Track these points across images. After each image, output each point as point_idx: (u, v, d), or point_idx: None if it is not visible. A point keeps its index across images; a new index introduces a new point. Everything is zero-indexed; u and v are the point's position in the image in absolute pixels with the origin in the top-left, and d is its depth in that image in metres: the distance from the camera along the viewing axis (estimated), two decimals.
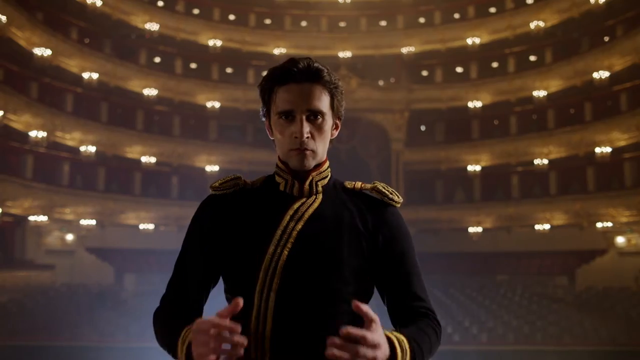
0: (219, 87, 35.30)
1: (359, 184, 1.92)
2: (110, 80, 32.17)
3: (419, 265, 1.86)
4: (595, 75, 30.35)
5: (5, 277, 25.77)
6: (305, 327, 1.70)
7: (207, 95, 34.80)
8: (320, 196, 1.85)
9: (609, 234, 30.34)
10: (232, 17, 37.33)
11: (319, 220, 1.80)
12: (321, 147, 1.82)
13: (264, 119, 1.89)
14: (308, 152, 1.78)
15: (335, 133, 1.89)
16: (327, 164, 1.91)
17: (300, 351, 1.68)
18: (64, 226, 30.33)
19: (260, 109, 1.88)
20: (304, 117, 1.76)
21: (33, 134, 28.25)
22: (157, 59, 35.76)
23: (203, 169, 33.82)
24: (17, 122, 27.81)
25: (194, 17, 36.26)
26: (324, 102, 1.79)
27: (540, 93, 32.70)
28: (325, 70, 1.80)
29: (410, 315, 1.77)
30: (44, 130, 28.51)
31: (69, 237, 30.46)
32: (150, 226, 31.71)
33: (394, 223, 1.86)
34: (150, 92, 33.17)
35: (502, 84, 34.08)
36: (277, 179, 1.88)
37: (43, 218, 28.35)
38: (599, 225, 30.05)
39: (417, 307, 1.78)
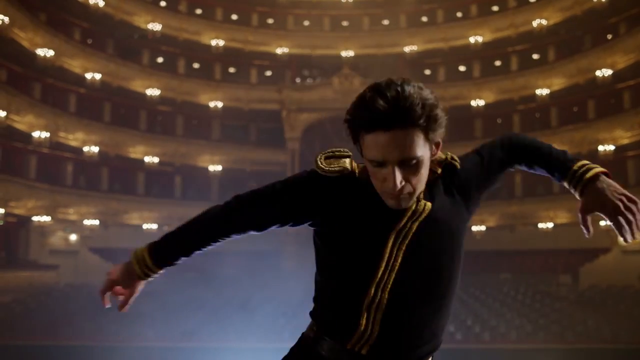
0: (222, 87, 35.32)
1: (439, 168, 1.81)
2: (113, 80, 32.22)
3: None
4: (598, 73, 30.27)
5: (9, 278, 25.84)
6: (413, 323, 1.75)
7: (210, 95, 34.83)
8: (425, 205, 1.76)
9: (612, 232, 30.22)
10: (234, 16, 37.35)
11: (429, 229, 1.75)
12: (419, 186, 1.69)
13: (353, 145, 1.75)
14: (403, 196, 1.67)
15: (438, 152, 1.75)
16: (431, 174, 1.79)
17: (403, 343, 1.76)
18: (67, 226, 30.38)
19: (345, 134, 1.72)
20: (396, 168, 1.62)
21: (36, 134, 28.33)
22: (160, 59, 35.81)
23: (206, 169, 33.88)
24: (20, 122, 27.89)
25: (197, 17, 36.28)
26: (418, 146, 1.62)
27: (543, 91, 32.64)
28: (417, 104, 1.60)
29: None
30: (47, 131, 28.58)
31: (73, 237, 30.52)
32: (154, 226, 31.73)
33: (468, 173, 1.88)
34: (153, 92, 33.24)
35: (505, 83, 34.04)
36: None
37: (46, 218, 28.41)
38: (602, 223, 29.93)
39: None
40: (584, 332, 18.15)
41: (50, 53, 29.28)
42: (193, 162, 34.08)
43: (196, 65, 36.63)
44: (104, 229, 31.06)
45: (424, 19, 37.41)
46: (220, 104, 34.69)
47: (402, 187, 1.64)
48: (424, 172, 1.69)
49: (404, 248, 1.73)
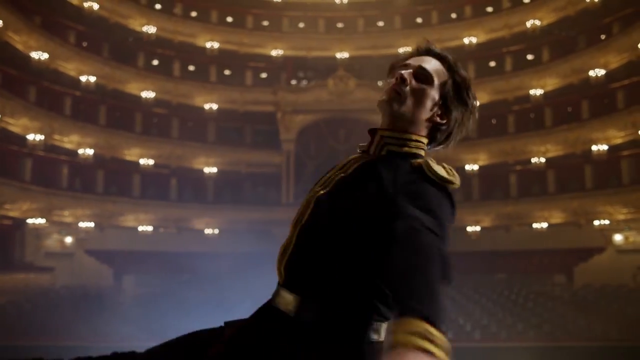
0: (217, 89, 35.40)
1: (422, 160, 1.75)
2: (108, 83, 32.32)
3: None
4: (592, 73, 30.35)
5: (4, 280, 25.90)
6: (310, 266, 1.76)
7: (205, 97, 34.90)
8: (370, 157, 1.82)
9: (606, 232, 30.35)
10: (229, 19, 37.46)
11: (354, 177, 1.79)
12: (409, 100, 1.80)
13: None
14: (392, 93, 1.81)
15: (438, 119, 1.84)
16: (419, 141, 1.83)
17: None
18: (62, 229, 30.42)
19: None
20: (411, 70, 1.83)
21: (31, 137, 28.41)
22: (155, 62, 35.88)
23: (201, 171, 33.93)
24: (15, 125, 27.98)
25: (192, 19, 36.40)
26: (436, 76, 1.83)
27: (537, 92, 32.73)
28: (458, 69, 1.87)
29: None
30: (42, 134, 28.66)
31: (68, 239, 30.56)
32: (149, 228, 31.81)
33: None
34: (148, 94, 33.31)
35: (499, 83, 34.09)
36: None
37: (42, 221, 28.46)
38: (596, 223, 30.06)
39: None
40: (575, 331, 18.23)
41: (44, 56, 29.39)
42: (188, 164, 34.14)
43: (191, 68, 36.71)
44: (99, 231, 31.11)
45: (419, 20, 37.51)
46: (215, 106, 34.77)
47: (399, 84, 1.79)
48: (419, 98, 1.81)
49: (336, 177, 1.82)
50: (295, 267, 1.79)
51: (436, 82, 1.82)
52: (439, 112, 1.84)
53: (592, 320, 19.82)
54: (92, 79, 31.47)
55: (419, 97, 1.81)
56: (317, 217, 1.78)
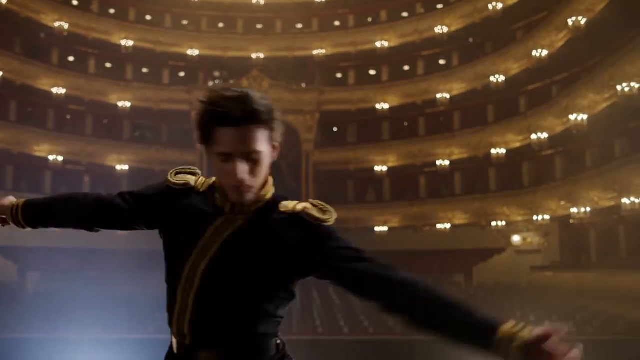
0: (131, 87, 35.39)
1: (291, 205, 2.01)
2: (17, 78, 31.99)
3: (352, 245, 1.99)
4: (493, 78, 31.25)
5: None
6: (221, 322, 1.97)
7: (119, 95, 34.82)
8: (242, 219, 1.99)
9: (506, 233, 31.32)
10: (148, 17, 37.48)
11: (237, 241, 1.97)
12: (259, 180, 1.95)
13: (199, 144, 2.01)
14: (244, 189, 1.92)
15: (275, 155, 2.00)
16: (268, 184, 2.05)
17: (215, 339, 1.98)
18: None
19: (196, 135, 1.96)
20: (241, 160, 1.88)
21: None
22: (71, 58, 35.72)
23: (114, 168, 33.89)
24: None
25: (107, 16, 36.27)
26: (261, 142, 1.90)
27: (444, 95, 33.52)
28: (263, 105, 1.89)
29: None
30: None
31: None
32: None
33: (317, 242, 1.97)
34: (59, 90, 33.09)
35: (408, 87, 34.86)
36: (216, 194, 2.04)
37: None
38: (493, 224, 31.00)
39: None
40: None
41: None
42: (101, 162, 34.06)
43: (108, 65, 36.63)
44: (7, 227, 30.71)
45: (336, 23, 38.07)
46: (128, 104, 34.72)
47: (245, 180, 1.90)
48: (264, 170, 1.96)
49: (216, 243, 1.97)
50: (203, 326, 1.97)
51: (266, 147, 1.94)
52: (275, 148, 2.01)
53: None
54: (0, 73, 31.14)
55: (262, 171, 1.96)
56: (213, 279, 1.97)
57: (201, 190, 2.10)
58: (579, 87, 25.39)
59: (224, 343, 1.97)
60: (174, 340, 2.04)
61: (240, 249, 1.96)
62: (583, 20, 25.32)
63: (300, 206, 2.00)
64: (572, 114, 25.32)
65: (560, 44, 27.74)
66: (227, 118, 1.84)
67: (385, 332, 19.14)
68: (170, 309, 2.03)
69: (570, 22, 25.72)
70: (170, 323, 2.04)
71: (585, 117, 25.01)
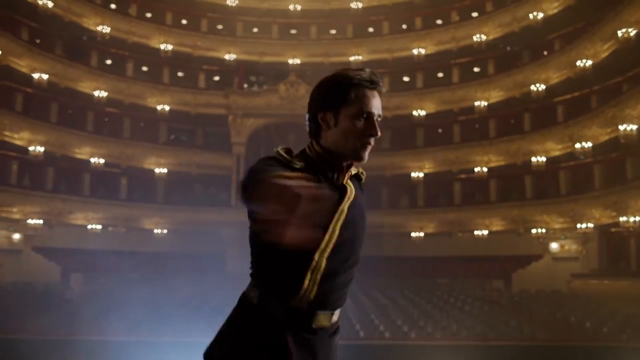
0: (169, 91, 35.69)
1: (354, 171, 2.30)
2: (60, 81, 32.32)
3: None
4: (533, 87, 31.56)
5: None
6: (340, 287, 2.20)
7: (158, 98, 35.14)
8: (351, 186, 2.25)
9: (543, 240, 31.59)
10: (184, 21, 37.82)
11: (355, 206, 2.21)
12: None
13: (321, 112, 2.24)
14: (371, 148, 2.22)
15: None
16: None
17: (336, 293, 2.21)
18: (11, 225, 30.35)
19: (320, 102, 2.25)
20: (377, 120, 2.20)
21: None
22: (109, 61, 36.03)
23: (152, 171, 34.16)
24: None
25: (146, 20, 36.63)
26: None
27: (481, 103, 33.81)
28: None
29: None
30: None
31: (16, 236, 30.52)
32: (98, 226, 31.93)
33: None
34: (100, 93, 33.42)
35: (445, 94, 35.12)
36: (323, 166, 2.22)
37: None
38: (534, 231, 31.26)
39: None
40: (505, 331, 19.16)
41: None
42: (139, 164, 34.30)
43: (145, 68, 36.96)
44: (48, 228, 31.07)
45: (370, 29, 38.39)
46: (167, 107, 35.04)
47: (378, 135, 2.18)
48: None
49: (340, 223, 2.15)
50: (327, 292, 2.18)
51: None
52: None
53: (523, 322, 20.83)
54: (45, 76, 31.46)
55: None
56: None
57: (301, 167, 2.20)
58: (628, 97, 25.69)
59: (337, 304, 2.22)
60: (280, 309, 2.14)
61: (358, 213, 2.23)
62: (633, 32, 25.62)
63: (354, 169, 2.30)
64: (620, 124, 25.60)
65: (605, 54, 28.05)
66: (374, 83, 2.19)
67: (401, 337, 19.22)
68: (296, 285, 2.11)
69: (620, 33, 26.00)
70: (290, 296, 2.12)
71: (635, 127, 25.31)
